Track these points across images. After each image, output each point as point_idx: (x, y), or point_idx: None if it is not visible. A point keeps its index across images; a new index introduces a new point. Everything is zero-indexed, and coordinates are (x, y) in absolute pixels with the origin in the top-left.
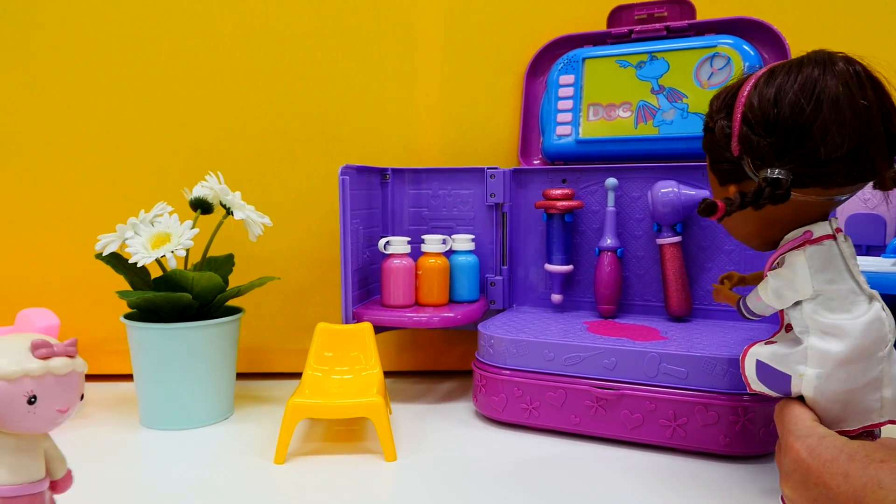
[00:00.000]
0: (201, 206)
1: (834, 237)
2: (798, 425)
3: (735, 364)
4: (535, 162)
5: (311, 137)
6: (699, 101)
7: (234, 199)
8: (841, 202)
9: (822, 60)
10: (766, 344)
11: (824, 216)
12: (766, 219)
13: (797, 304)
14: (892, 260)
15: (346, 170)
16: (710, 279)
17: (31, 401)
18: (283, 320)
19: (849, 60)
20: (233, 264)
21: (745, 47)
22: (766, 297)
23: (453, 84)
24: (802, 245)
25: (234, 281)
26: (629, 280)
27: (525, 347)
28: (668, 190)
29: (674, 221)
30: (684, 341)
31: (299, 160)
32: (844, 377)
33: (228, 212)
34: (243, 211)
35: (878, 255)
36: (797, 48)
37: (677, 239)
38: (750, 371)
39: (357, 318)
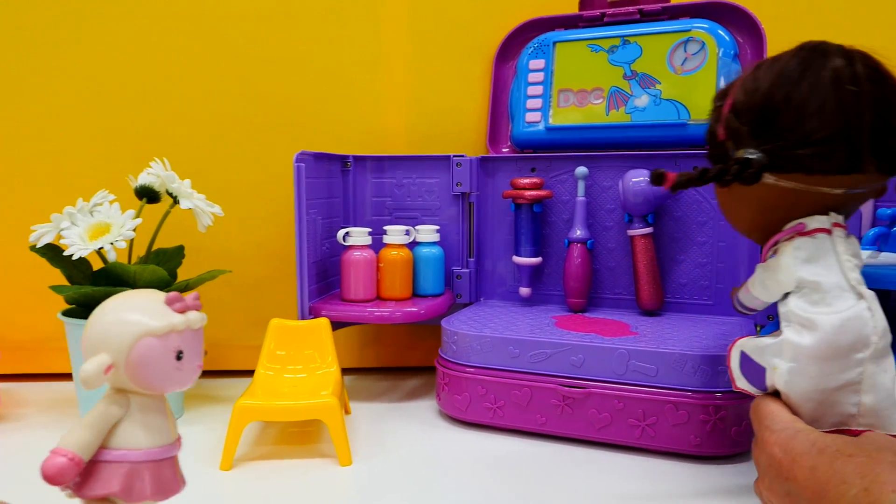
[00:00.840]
0: (147, 195)
1: (829, 231)
2: (773, 420)
3: (706, 361)
4: (503, 150)
5: (269, 123)
6: (672, 87)
7: (181, 186)
8: (853, 197)
9: (814, 48)
10: (752, 337)
11: (824, 210)
12: (760, 205)
13: (785, 296)
14: (869, 252)
15: (302, 156)
16: (683, 272)
17: (179, 356)
18: (239, 315)
19: (845, 50)
20: (182, 256)
21: (721, 32)
22: (755, 288)
23: (419, 68)
24: (792, 236)
25: (186, 274)
26: (600, 273)
27: (489, 344)
28: (639, 179)
29: (645, 212)
30: (655, 337)
31: (256, 146)
32: (816, 373)
33: (176, 201)
34: (191, 200)
35: None
36: (773, 33)
37: (649, 230)
38: (735, 364)
39: (314, 314)
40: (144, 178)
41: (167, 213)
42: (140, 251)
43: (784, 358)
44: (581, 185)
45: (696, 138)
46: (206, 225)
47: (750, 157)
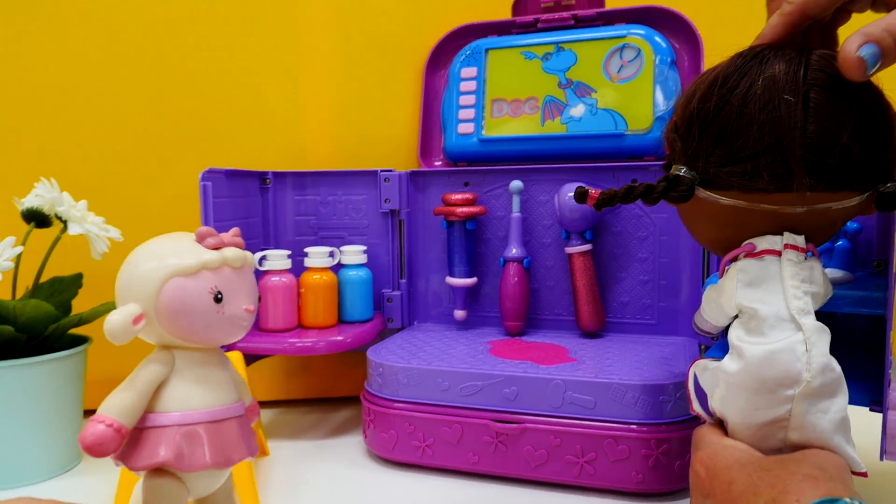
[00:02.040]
0: (35, 219)
1: (779, 254)
2: (701, 439)
3: (647, 391)
4: (436, 163)
5: (181, 138)
6: (608, 95)
7: (69, 209)
8: (820, 215)
9: (756, 53)
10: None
11: (779, 229)
12: (713, 221)
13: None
14: None
15: (210, 174)
16: (624, 290)
17: (218, 297)
18: (148, 349)
19: (793, 54)
20: (80, 285)
21: (657, 39)
22: (704, 310)
23: (345, 77)
24: (738, 257)
25: (86, 304)
26: (539, 292)
27: (417, 376)
28: None
29: (583, 228)
30: (593, 364)
31: (166, 164)
32: (743, 405)
33: (66, 225)
34: (82, 224)
35: None
36: (710, 39)
37: (587, 247)
38: (691, 386)
39: (227, 346)
40: (31, 201)
41: (57, 240)
42: (29, 281)
43: (719, 385)
44: (516, 201)
45: (634, 149)
46: (101, 252)
47: (679, 174)
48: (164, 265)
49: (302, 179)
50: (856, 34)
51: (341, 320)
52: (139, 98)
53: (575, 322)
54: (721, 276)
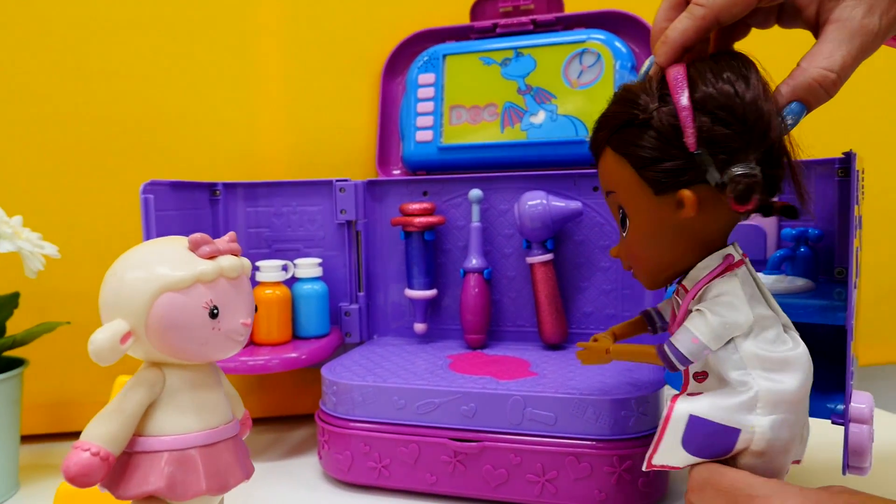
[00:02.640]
0: None
1: (744, 261)
2: (756, 485)
3: (608, 406)
4: (395, 172)
5: (124, 148)
6: (568, 101)
7: (0, 225)
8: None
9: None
10: (689, 397)
11: (725, 238)
12: (684, 235)
13: (726, 343)
14: (775, 276)
15: (153, 187)
16: (587, 300)
17: (214, 313)
18: (92, 369)
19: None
20: (15, 305)
21: (617, 44)
22: (706, 336)
23: (299, 84)
24: (727, 270)
25: (24, 324)
26: (501, 304)
27: (372, 394)
28: (536, 202)
29: (544, 237)
30: (554, 378)
31: (108, 175)
32: (794, 419)
33: None
34: (13, 241)
35: (759, 272)
36: None
37: (548, 257)
38: (674, 436)
39: None
40: None
41: None
42: None
43: (761, 412)
44: (475, 210)
45: None
46: (36, 270)
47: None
48: (155, 277)
49: (254, 190)
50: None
51: (296, 336)
52: (80, 106)
53: (538, 333)
54: (692, 300)
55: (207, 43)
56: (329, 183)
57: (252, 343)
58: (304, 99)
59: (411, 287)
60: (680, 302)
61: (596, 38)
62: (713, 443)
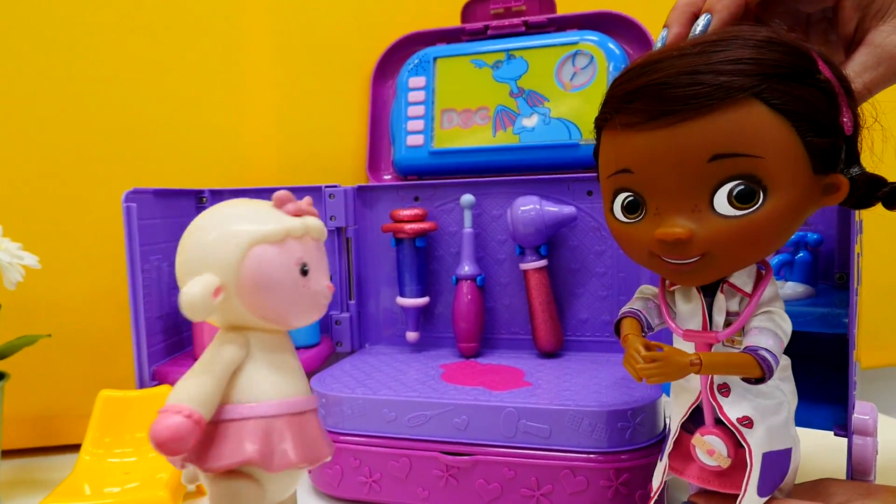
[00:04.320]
0: None
1: None
2: None
3: (604, 417)
4: (385, 177)
5: (111, 154)
6: (562, 104)
7: None
8: None
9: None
10: (747, 430)
11: None
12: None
13: None
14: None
15: (135, 195)
16: (583, 307)
17: (305, 270)
18: (80, 381)
19: None
20: None
21: (611, 45)
22: (785, 338)
23: (287, 88)
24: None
25: (4, 338)
26: (494, 311)
27: (361, 406)
28: (528, 207)
29: (537, 243)
30: (549, 388)
31: (92, 183)
32: None
33: None
34: None
35: None
36: None
37: (542, 263)
38: (752, 488)
39: (160, 378)
40: None
41: None
42: None
43: (791, 420)
44: (467, 215)
45: (589, 159)
46: (15, 281)
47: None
48: (246, 230)
49: (241, 197)
50: None
51: None
52: (62, 111)
53: (532, 341)
54: (759, 304)
55: (194, 46)
56: (318, 189)
57: None
58: (292, 103)
59: (403, 295)
60: (705, 301)
61: (589, 40)
62: (776, 473)
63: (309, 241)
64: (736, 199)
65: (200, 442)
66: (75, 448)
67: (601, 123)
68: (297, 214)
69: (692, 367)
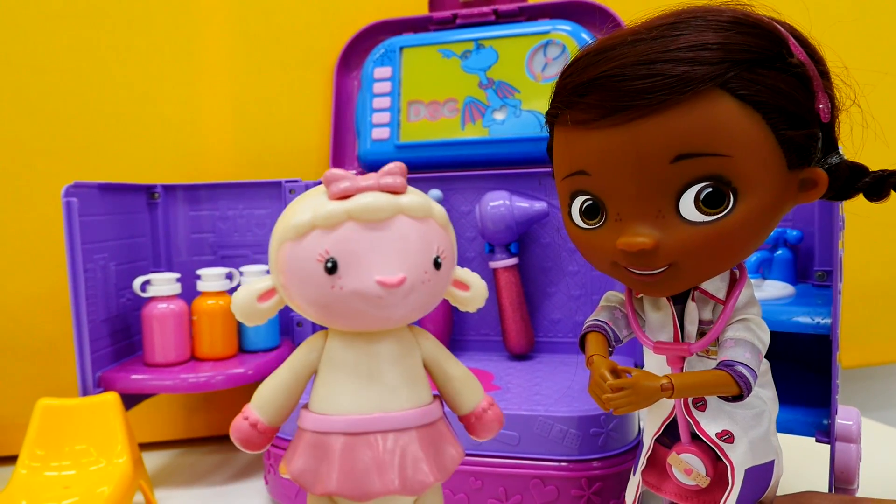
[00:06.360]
0: None
1: None
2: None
3: (576, 424)
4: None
5: (55, 148)
6: (533, 96)
7: None
8: None
9: None
10: (727, 444)
11: None
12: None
13: None
14: (753, 281)
15: (77, 190)
16: (555, 306)
17: (329, 267)
18: (18, 388)
19: None
20: None
21: (584, 35)
22: (763, 349)
23: (246, 79)
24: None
25: None
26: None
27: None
28: (498, 203)
29: (508, 240)
30: (520, 392)
31: (36, 178)
32: None
33: None
34: None
35: None
36: None
37: (513, 261)
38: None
39: (106, 385)
40: None
41: None
42: None
43: (773, 430)
44: None
45: None
46: None
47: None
48: (280, 228)
49: (196, 193)
50: None
51: (243, 349)
52: (6, 104)
53: (503, 342)
54: (732, 313)
55: (144, 31)
56: (278, 184)
57: (194, 358)
58: (251, 94)
59: None
60: (676, 310)
61: (561, 30)
62: (758, 488)
63: (350, 228)
64: (704, 204)
65: (299, 451)
66: (12, 460)
67: (552, 119)
68: (345, 196)
69: (664, 393)
